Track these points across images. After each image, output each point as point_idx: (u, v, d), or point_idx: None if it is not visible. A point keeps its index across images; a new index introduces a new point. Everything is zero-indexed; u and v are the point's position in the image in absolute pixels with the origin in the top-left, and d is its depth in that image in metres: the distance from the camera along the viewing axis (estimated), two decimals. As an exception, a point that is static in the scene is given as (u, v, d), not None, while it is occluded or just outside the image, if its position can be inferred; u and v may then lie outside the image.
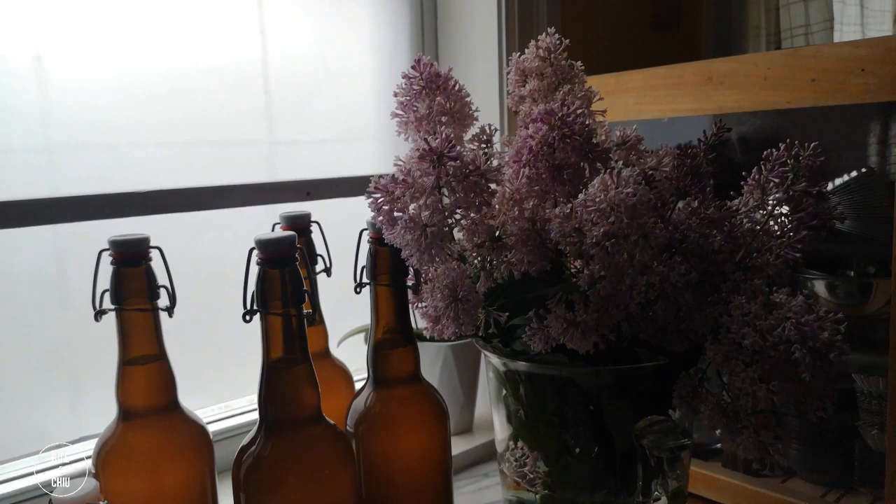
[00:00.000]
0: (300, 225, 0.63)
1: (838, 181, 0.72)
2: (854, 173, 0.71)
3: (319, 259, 0.66)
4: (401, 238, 0.47)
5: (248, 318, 0.50)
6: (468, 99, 0.57)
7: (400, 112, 0.58)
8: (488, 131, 0.58)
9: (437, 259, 0.47)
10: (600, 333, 0.47)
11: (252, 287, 0.50)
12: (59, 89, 0.68)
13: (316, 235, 0.66)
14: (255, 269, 0.49)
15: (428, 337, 0.65)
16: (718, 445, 0.90)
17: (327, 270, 0.66)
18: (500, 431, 0.64)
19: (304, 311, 0.50)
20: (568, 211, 0.45)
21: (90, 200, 0.60)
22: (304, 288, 0.49)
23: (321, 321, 0.67)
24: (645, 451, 0.57)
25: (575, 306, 0.46)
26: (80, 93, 0.69)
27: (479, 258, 0.50)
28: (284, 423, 0.50)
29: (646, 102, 0.81)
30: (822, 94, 0.68)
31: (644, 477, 0.57)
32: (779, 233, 0.54)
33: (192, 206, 0.65)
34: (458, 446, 0.93)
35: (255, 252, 0.49)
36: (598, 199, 0.43)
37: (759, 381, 0.47)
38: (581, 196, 0.45)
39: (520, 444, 0.63)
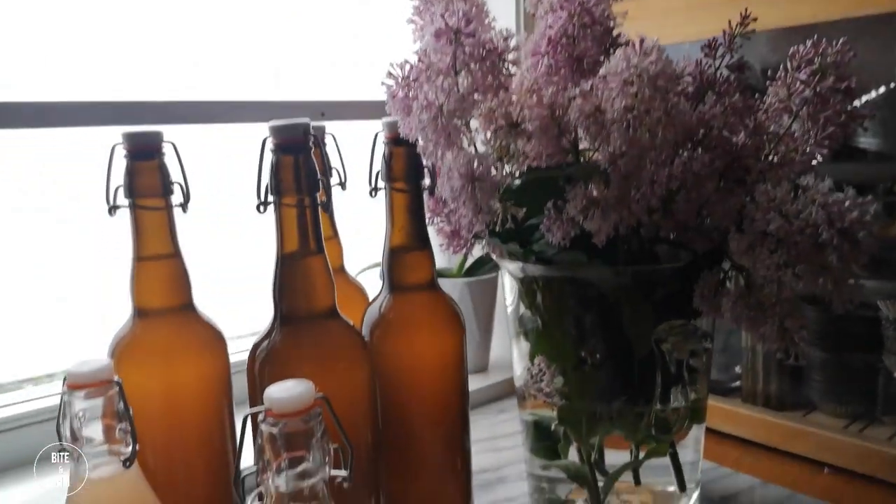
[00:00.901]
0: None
1: (865, 98, 0.70)
2: (882, 89, 0.69)
3: (335, 172, 0.65)
4: (416, 122, 0.46)
5: (261, 208, 0.50)
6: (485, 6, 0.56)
7: (415, 18, 0.57)
8: (505, 33, 0.57)
9: (455, 141, 0.46)
10: (620, 215, 0.46)
11: (265, 180, 0.49)
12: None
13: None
14: (268, 159, 0.49)
15: (443, 250, 0.65)
16: (738, 383, 0.88)
17: (342, 184, 0.66)
18: (518, 354, 0.64)
19: (319, 199, 0.49)
20: (588, 88, 0.44)
21: (101, 107, 0.59)
22: (319, 177, 0.49)
23: (336, 236, 0.67)
24: (664, 356, 0.56)
25: (595, 187, 0.45)
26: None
27: (496, 147, 0.49)
28: (299, 315, 0.50)
29: (667, 27, 0.80)
30: (851, 4, 0.66)
31: (663, 384, 0.57)
32: (804, 131, 0.53)
33: (204, 118, 0.64)
34: (474, 384, 0.92)
35: (269, 140, 0.48)
36: (619, 69, 0.42)
37: (785, 267, 0.45)
38: (602, 70, 0.44)
39: (536, 361, 0.63)
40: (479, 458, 0.62)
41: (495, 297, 0.97)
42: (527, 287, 0.61)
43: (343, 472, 0.39)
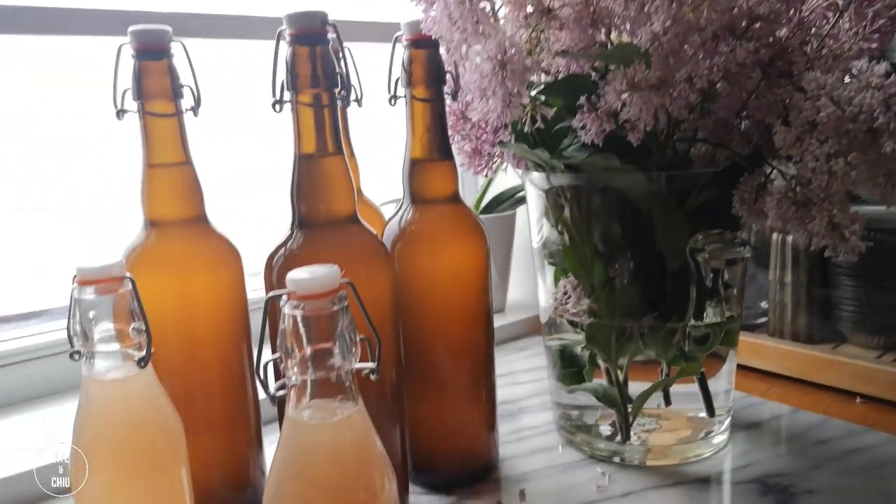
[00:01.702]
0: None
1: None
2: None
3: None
4: (442, 7, 0.44)
5: (277, 107, 0.47)
6: None
7: None
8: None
9: (482, 28, 0.43)
10: (662, 101, 0.43)
11: (281, 76, 0.47)
12: None
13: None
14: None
15: (464, 170, 0.62)
16: (763, 319, 0.86)
17: (358, 101, 0.63)
18: (543, 284, 0.61)
19: (338, 96, 0.46)
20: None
21: (106, 15, 0.56)
22: (338, 70, 0.46)
23: (353, 156, 0.64)
24: (700, 268, 0.53)
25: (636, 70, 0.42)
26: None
27: (526, 38, 0.46)
28: (318, 220, 0.47)
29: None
30: None
31: (697, 299, 0.54)
32: (851, 26, 0.50)
33: (212, 32, 0.61)
34: (492, 323, 0.90)
35: (285, 31, 0.45)
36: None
37: (836, 157, 0.43)
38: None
39: (561, 283, 0.60)
40: (501, 392, 0.60)
41: (513, 236, 0.95)
42: (553, 202, 0.58)
43: (371, 365, 0.36)
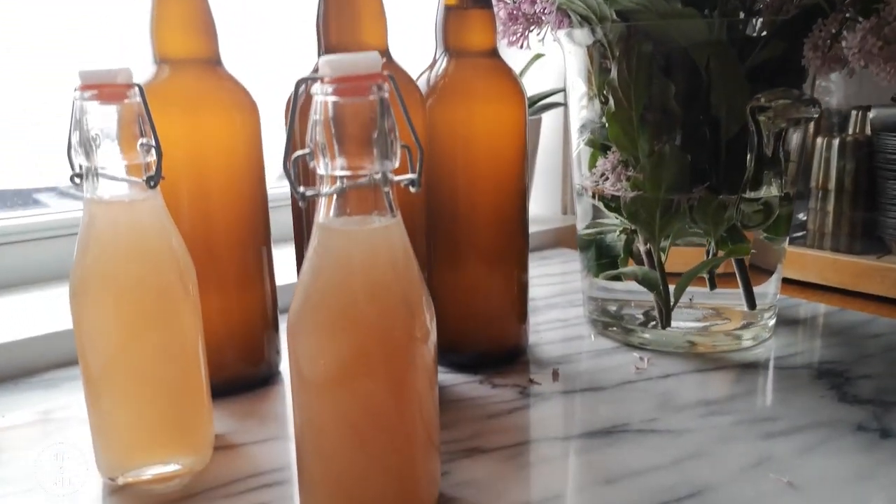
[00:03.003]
0: None
1: None
2: None
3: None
4: None
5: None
6: None
7: None
8: None
9: None
10: None
11: None
12: None
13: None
14: None
15: (498, 40, 0.57)
16: (802, 233, 0.82)
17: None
18: (578, 168, 0.56)
19: None
20: None
21: None
22: None
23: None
24: (760, 132, 0.49)
25: None
26: None
27: None
28: (348, 48, 0.43)
29: None
30: None
31: (755, 168, 0.50)
32: None
33: None
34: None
35: None
36: None
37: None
38: None
39: (599, 164, 0.56)
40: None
41: (538, 141, 0.90)
42: (598, 66, 0.54)
43: (411, 176, 0.32)
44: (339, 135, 0.30)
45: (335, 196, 0.31)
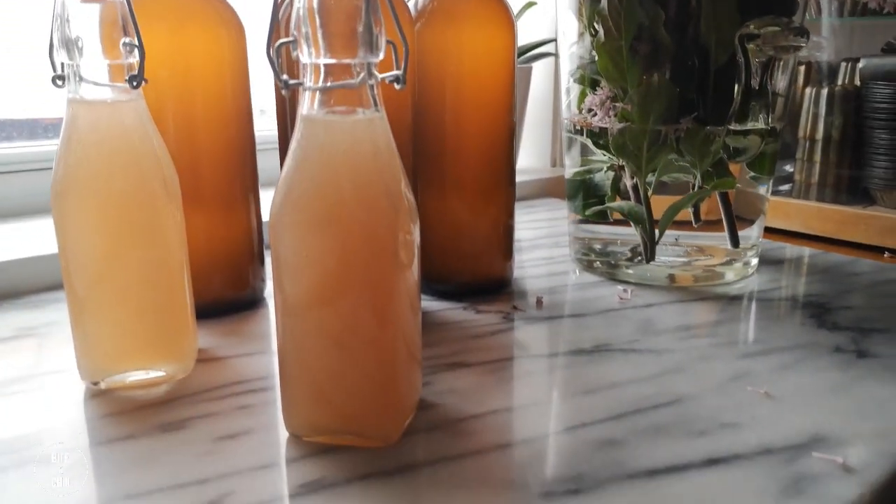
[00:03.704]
0: None
1: None
2: None
3: None
4: None
5: None
6: None
7: None
8: None
9: None
10: None
11: None
12: None
13: None
14: None
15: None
16: (788, 186, 0.82)
17: None
18: (567, 113, 0.56)
19: None
20: None
21: None
22: None
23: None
24: (748, 62, 0.49)
25: None
26: None
27: None
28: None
29: None
30: None
31: (742, 99, 0.50)
32: None
33: None
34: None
35: None
36: None
37: None
38: None
39: (587, 100, 0.55)
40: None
41: (528, 90, 0.90)
42: (588, -3, 0.53)
43: (396, 72, 0.32)
44: (323, 24, 0.29)
45: (319, 92, 0.31)
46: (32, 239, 0.59)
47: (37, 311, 0.50)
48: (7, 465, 0.31)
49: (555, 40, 0.88)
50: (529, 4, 0.88)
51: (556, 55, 0.89)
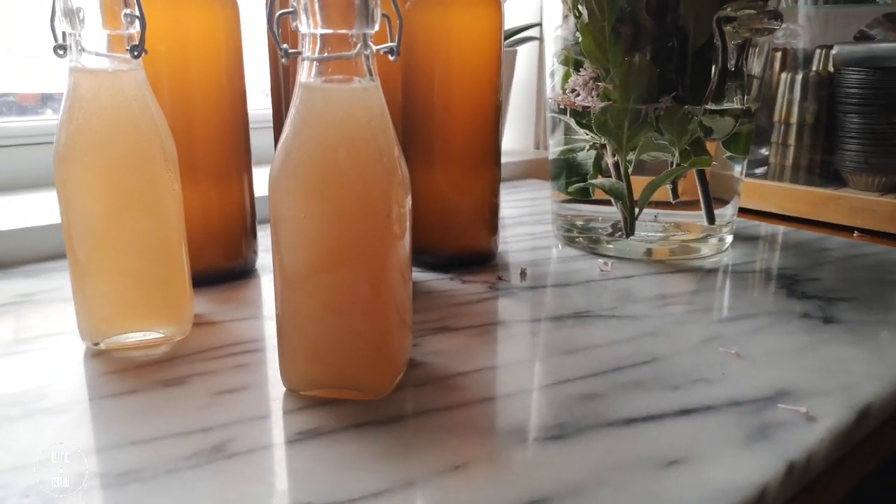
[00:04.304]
0: None
1: None
2: None
3: None
4: None
5: None
6: None
7: None
8: None
9: None
10: None
11: None
12: None
13: None
14: None
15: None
16: (763, 169, 0.85)
17: None
18: (551, 94, 0.58)
19: None
20: None
21: None
22: None
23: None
24: (725, 44, 0.51)
25: None
26: None
27: None
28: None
29: None
30: None
31: (719, 79, 0.52)
32: None
33: None
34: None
35: None
36: None
37: None
38: None
39: (571, 81, 0.57)
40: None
41: (512, 73, 0.92)
42: (572, -22, 0.55)
43: (391, 44, 0.33)
44: (321, -6, 0.31)
45: (317, 61, 0.32)
46: (26, 211, 0.60)
47: (32, 279, 0.51)
48: (17, 415, 0.33)
49: (539, 25, 0.89)
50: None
51: (540, 39, 0.91)
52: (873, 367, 0.38)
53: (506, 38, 0.92)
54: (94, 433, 0.32)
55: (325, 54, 0.32)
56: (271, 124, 0.53)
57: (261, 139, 0.58)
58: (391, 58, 0.34)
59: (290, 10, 0.31)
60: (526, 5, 0.93)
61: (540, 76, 0.97)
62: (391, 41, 0.34)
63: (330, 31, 0.31)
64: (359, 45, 0.32)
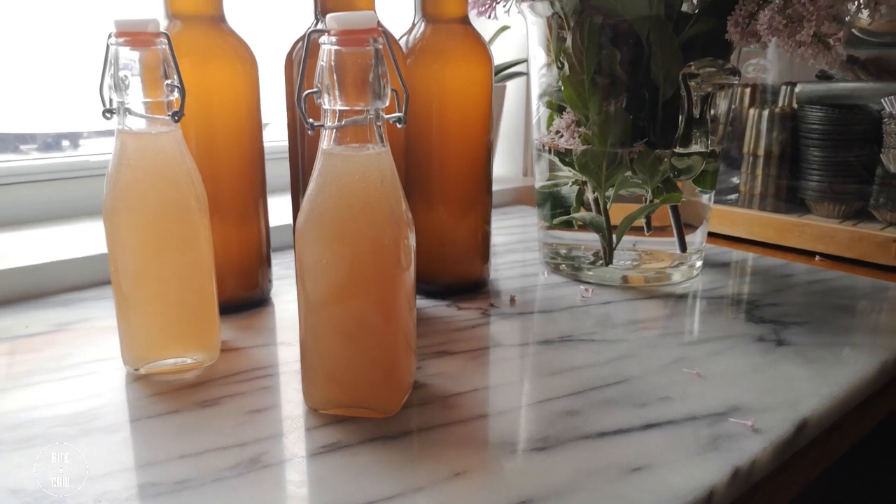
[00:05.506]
0: None
1: None
2: None
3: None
4: None
5: None
6: None
7: None
8: None
9: None
10: None
11: None
12: None
13: None
14: None
15: (468, 10, 0.64)
16: (734, 196, 0.91)
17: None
18: (537, 135, 0.64)
19: None
20: None
21: None
22: None
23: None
24: (690, 97, 0.57)
25: None
26: None
27: None
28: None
29: None
30: None
31: (685, 126, 0.58)
32: None
33: None
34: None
35: None
36: None
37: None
38: None
39: (555, 123, 0.63)
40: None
41: (502, 107, 0.98)
42: (556, 34, 0.61)
43: (398, 114, 0.39)
44: (340, 77, 0.37)
45: (336, 130, 0.38)
46: (57, 243, 0.65)
47: (65, 308, 0.56)
48: (76, 434, 0.38)
49: (527, 61, 0.96)
50: (503, 28, 0.95)
51: (527, 74, 0.97)
52: (815, 386, 0.44)
53: (496, 74, 0.98)
54: (147, 448, 0.37)
55: (343, 122, 0.38)
56: (286, 154, 0.58)
57: (275, 169, 0.63)
58: (399, 126, 0.39)
59: (315, 90, 0.37)
60: (514, 41, 0.99)
61: (527, 108, 1.03)
62: (399, 111, 0.40)
63: (348, 107, 0.37)
64: (372, 117, 0.38)
